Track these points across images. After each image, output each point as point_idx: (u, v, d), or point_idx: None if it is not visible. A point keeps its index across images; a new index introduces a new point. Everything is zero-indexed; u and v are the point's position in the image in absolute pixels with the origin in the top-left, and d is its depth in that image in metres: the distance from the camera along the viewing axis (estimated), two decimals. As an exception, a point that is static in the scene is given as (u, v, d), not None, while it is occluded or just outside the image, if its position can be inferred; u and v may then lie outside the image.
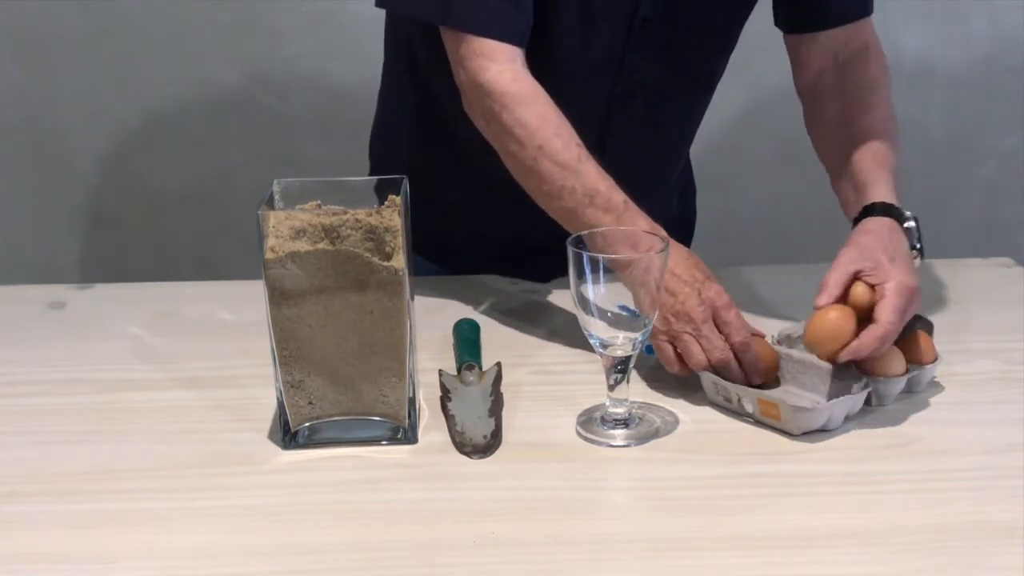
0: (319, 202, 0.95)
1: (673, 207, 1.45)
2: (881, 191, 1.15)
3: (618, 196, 1.07)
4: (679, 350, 1.03)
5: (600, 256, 0.92)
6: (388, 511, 0.86)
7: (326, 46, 2.11)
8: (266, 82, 2.14)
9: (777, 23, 1.32)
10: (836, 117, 1.26)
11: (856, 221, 1.14)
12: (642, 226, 1.05)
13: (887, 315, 1.00)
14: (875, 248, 1.06)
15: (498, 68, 1.12)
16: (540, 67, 1.16)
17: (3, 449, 0.97)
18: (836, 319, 1.01)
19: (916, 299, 1.04)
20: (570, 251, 0.94)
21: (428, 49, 1.22)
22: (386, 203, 0.94)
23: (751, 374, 1.02)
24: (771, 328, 1.11)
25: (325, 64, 2.12)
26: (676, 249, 1.04)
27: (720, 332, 1.02)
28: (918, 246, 1.12)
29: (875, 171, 1.17)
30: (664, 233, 1.03)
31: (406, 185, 0.97)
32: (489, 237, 1.37)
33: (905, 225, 1.12)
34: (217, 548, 0.82)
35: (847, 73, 1.27)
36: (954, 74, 2.23)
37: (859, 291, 1.03)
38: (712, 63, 1.32)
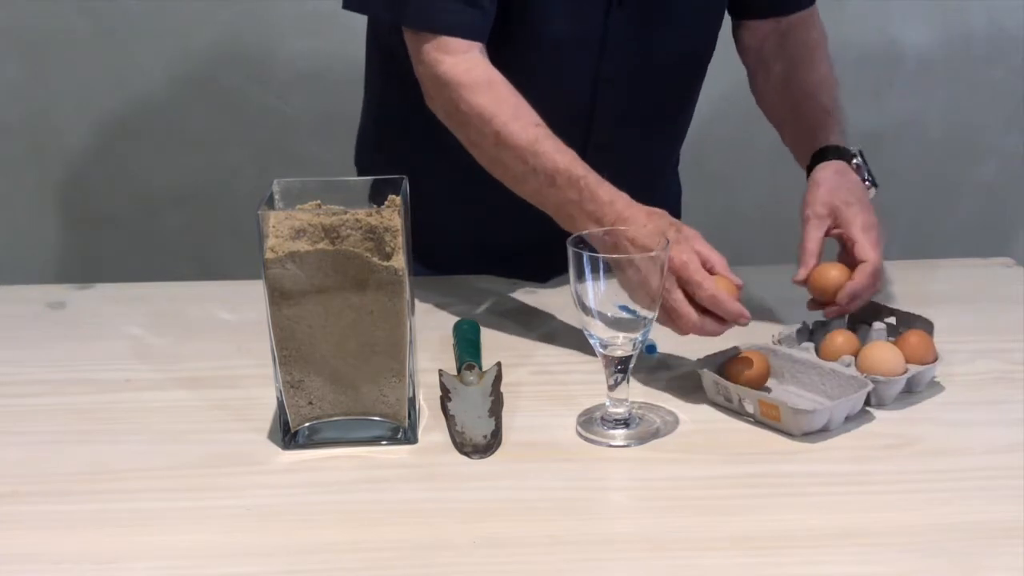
0: (319, 202, 0.96)
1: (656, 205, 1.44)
2: (828, 136, 1.22)
3: (578, 169, 1.08)
4: (672, 313, 1.02)
5: (600, 256, 0.92)
6: (388, 511, 0.86)
7: (326, 46, 2.11)
8: (266, 82, 2.14)
9: (731, 11, 1.35)
10: (780, 76, 1.32)
11: (809, 169, 1.21)
12: (603, 196, 1.06)
13: (868, 252, 1.09)
14: (830, 199, 1.14)
15: (453, 60, 1.14)
16: (523, 55, 1.17)
17: (3, 449, 0.97)
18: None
19: (883, 230, 1.12)
20: (570, 251, 0.94)
21: (407, 50, 1.23)
22: (386, 203, 0.94)
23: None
24: (771, 329, 1.11)
25: (325, 64, 2.12)
26: (636, 213, 1.05)
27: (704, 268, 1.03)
28: (868, 179, 1.20)
29: (822, 118, 1.25)
30: (627, 200, 1.06)
31: (406, 185, 0.97)
32: (482, 240, 1.36)
33: (854, 163, 1.19)
34: (217, 548, 0.82)
35: (789, 35, 1.33)
36: (954, 74, 2.23)
37: (832, 275, 1.09)
38: (695, 44, 1.32)
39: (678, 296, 1.01)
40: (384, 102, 1.36)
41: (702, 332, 1.02)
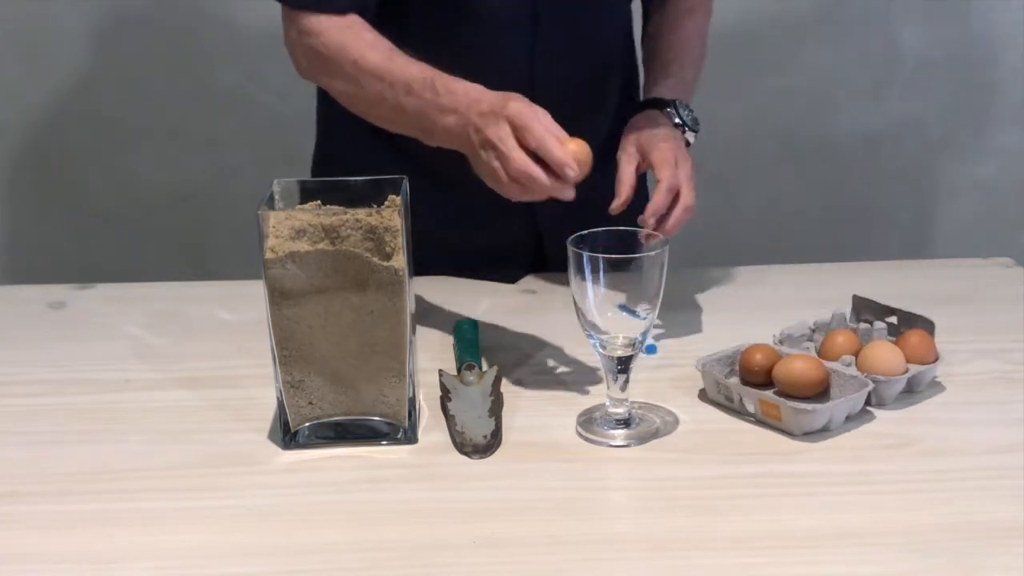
0: (319, 202, 0.96)
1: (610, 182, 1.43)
2: (655, 90, 1.29)
3: (431, 72, 1.09)
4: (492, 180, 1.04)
5: (600, 256, 0.92)
6: (388, 511, 0.86)
7: (326, 46, 2.10)
8: (266, 82, 2.14)
9: None
10: (651, 32, 1.39)
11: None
12: (459, 88, 1.06)
13: (663, 172, 1.14)
14: (636, 138, 1.20)
15: (316, 15, 1.17)
16: (456, 32, 1.19)
17: (3, 449, 0.97)
18: None
19: (689, 162, 1.18)
20: (570, 251, 0.94)
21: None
22: (386, 203, 0.94)
23: (560, 171, 1.00)
24: (771, 328, 1.11)
25: (325, 64, 2.11)
26: (491, 97, 1.06)
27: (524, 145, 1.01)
28: (680, 123, 1.24)
29: (659, 74, 1.32)
30: (482, 88, 1.06)
31: (406, 185, 0.97)
32: (454, 243, 1.34)
33: (667, 110, 1.25)
34: (217, 548, 0.82)
35: None
36: (954, 73, 2.23)
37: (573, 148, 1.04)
38: (622, 14, 1.36)
39: (495, 165, 1.02)
40: (342, 115, 1.34)
41: (526, 193, 1.03)
